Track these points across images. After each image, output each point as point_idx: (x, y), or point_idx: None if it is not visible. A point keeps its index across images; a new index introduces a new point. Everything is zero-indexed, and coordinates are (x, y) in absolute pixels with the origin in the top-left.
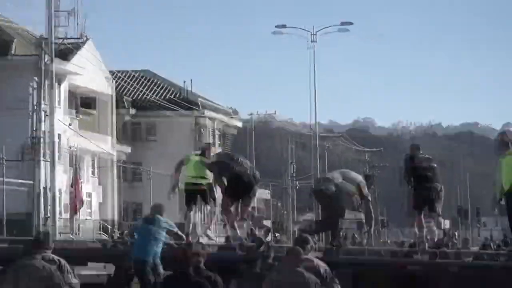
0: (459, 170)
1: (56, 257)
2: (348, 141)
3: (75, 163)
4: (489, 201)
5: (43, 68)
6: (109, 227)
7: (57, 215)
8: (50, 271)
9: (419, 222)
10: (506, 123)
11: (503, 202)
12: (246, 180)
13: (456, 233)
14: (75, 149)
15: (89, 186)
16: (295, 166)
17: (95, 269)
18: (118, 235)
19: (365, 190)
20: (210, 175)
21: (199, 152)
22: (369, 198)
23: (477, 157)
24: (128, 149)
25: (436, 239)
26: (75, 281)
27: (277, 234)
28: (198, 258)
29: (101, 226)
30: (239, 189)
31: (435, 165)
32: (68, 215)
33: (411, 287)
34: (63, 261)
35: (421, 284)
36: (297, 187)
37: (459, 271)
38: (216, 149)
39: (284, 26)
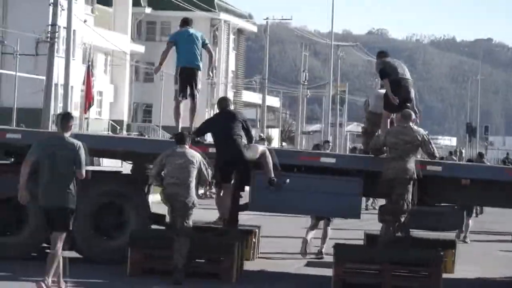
0: (470, 86)
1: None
2: (362, 50)
3: (88, 60)
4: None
5: None
6: (118, 127)
7: None
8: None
9: None
10: None
11: None
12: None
13: (463, 151)
14: (89, 46)
15: (100, 85)
16: (307, 74)
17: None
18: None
19: None
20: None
21: None
22: None
23: (489, 73)
24: (142, 49)
25: None
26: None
27: (283, 144)
28: None
29: (110, 125)
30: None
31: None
32: (78, 113)
33: None
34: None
35: None
36: (308, 96)
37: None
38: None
39: None
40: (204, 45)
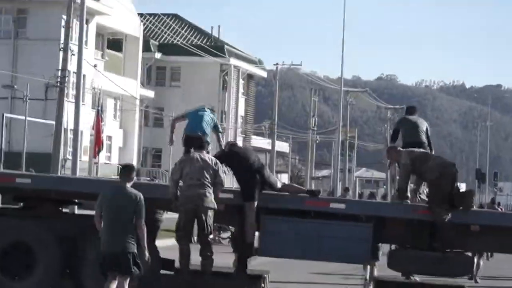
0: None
1: None
2: (372, 96)
3: (98, 105)
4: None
5: (72, 5)
6: None
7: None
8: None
9: None
10: None
11: None
12: None
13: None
14: (98, 91)
15: (110, 129)
16: (317, 119)
17: None
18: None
19: None
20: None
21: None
22: None
23: (498, 119)
24: (151, 94)
25: None
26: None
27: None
28: None
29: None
30: None
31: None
32: (87, 158)
33: None
34: None
35: None
36: (317, 141)
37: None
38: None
39: None
40: (215, 127)
